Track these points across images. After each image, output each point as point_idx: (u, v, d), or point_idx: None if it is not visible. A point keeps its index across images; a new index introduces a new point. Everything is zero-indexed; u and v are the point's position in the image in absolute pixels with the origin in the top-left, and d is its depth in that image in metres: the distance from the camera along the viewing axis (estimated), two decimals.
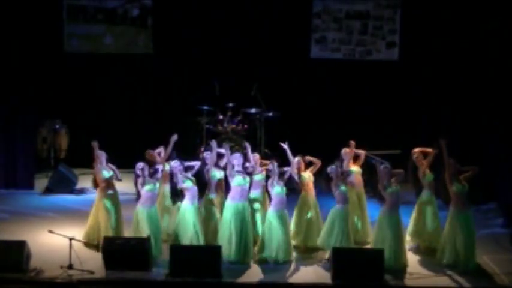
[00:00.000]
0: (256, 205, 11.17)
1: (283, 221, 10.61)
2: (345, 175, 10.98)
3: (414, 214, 11.29)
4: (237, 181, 10.62)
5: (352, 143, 11.64)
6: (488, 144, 13.95)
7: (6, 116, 14.31)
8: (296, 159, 11.13)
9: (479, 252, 10.95)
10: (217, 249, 10.14)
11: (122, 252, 9.98)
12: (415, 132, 15.14)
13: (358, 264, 9.92)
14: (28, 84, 14.36)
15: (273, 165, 10.68)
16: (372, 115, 15.80)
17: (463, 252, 10.41)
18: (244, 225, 10.52)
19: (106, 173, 11.09)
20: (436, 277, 10.19)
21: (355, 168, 11.67)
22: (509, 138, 13.30)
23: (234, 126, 14.94)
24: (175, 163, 10.83)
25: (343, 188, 10.75)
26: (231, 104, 15.00)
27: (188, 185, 10.70)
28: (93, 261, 10.24)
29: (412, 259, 10.83)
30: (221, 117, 15.07)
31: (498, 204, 13.42)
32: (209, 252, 10.16)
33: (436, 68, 14.81)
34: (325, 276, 10.06)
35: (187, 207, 10.66)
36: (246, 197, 10.69)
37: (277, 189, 10.62)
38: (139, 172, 10.64)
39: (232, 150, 13.32)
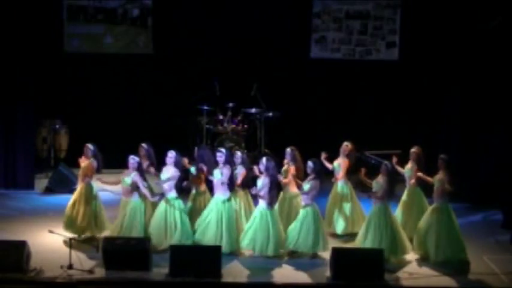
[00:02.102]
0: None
1: (274, 217, 10.78)
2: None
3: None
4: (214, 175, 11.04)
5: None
6: (488, 144, 13.96)
7: (6, 116, 14.32)
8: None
9: (479, 252, 11.00)
10: (218, 249, 10.15)
11: (122, 252, 9.98)
12: (415, 132, 15.14)
13: (358, 264, 9.91)
14: (28, 84, 14.35)
15: (262, 165, 10.79)
16: (371, 115, 15.80)
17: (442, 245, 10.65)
18: (218, 216, 10.78)
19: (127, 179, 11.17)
20: (436, 277, 10.19)
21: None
22: (510, 138, 13.31)
23: (234, 126, 14.96)
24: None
25: (306, 186, 10.80)
26: (231, 104, 15.02)
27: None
28: (93, 261, 10.25)
29: (412, 259, 10.84)
30: (221, 117, 15.09)
31: (498, 204, 13.42)
32: (209, 252, 10.16)
33: (436, 68, 14.80)
34: (325, 276, 10.06)
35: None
36: (219, 189, 10.91)
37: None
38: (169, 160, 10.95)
39: (232, 150, 13.37)
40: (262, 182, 10.72)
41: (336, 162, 11.98)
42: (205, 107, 15.05)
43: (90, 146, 11.44)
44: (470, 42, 13.92)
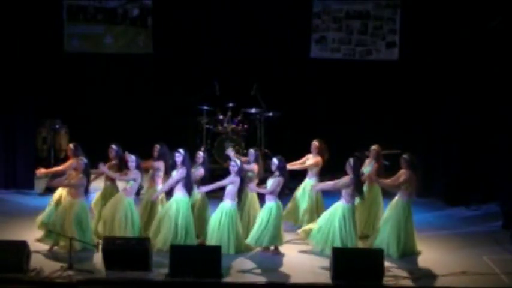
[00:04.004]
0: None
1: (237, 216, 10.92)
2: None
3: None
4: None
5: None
6: (488, 144, 13.96)
7: (6, 116, 14.32)
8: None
9: (479, 252, 11.00)
10: (218, 249, 10.15)
11: (122, 252, 9.99)
12: (415, 132, 15.14)
13: (358, 264, 9.92)
14: (28, 84, 14.36)
15: (235, 163, 10.87)
16: (371, 115, 15.80)
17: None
18: (177, 217, 10.86)
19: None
20: (436, 277, 10.19)
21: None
22: (509, 139, 13.31)
23: (234, 126, 14.97)
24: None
25: (269, 183, 10.91)
26: (231, 104, 15.03)
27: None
28: (93, 261, 10.26)
29: (412, 259, 10.85)
30: (221, 117, 15.10)
31: (498, 204, 13.43)
32: (209, 252, 10.17)
33: (436, 68, 14.80)
34: (325, 276, 10.06)
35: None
36: (178, 190, 10.95)
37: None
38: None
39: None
40: (231, 180, 10.79)
41: (308, 162, 12.01)
42: (205, 107, 15.06)
43: (71, 146, 11.57)
44: (471, 42, 13.93)
